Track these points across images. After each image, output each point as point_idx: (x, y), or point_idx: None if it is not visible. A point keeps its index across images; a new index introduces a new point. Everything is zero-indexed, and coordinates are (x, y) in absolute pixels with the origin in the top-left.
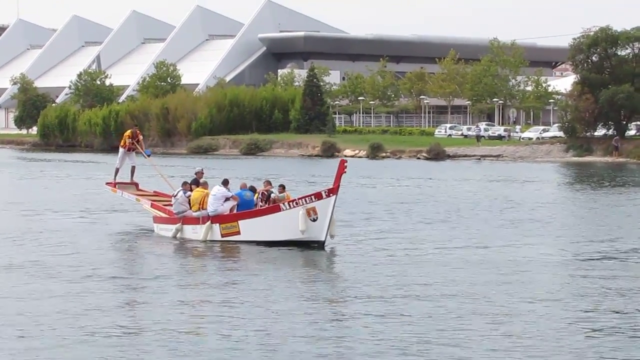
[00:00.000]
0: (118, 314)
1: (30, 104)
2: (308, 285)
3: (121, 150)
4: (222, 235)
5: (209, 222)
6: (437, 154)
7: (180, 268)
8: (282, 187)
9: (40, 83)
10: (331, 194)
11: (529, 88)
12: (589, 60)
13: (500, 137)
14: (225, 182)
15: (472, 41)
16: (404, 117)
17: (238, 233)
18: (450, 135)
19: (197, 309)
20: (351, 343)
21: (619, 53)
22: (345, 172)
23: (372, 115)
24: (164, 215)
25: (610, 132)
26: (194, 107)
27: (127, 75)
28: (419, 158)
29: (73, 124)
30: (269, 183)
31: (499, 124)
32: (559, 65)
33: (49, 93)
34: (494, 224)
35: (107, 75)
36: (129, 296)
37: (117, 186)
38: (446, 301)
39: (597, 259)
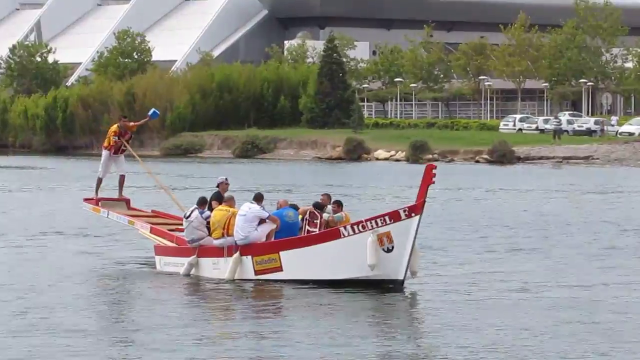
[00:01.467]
0: None
1: None
2: (381, 348)
3: (105, 153)
4: (257, 273)
5: (237, 254)
6: (502, 156)
7: (195, 321)
8: (338, 205)
9: None
10: (413, 214)
11: (629, 64)
12: None
13: (589, 133)
14: (258, 198)
15: (550, 1)
16: (457, 105)
17: (279, 269)
18: (520, 129)
19: None
20: None
21: None
22: (433, 182)
23: (413, 103)
24: (170, 244)
25: None
26: (169, 92)
27: (79, 49)
28: (478, 161)
29: (3, 115)
30: (328, 197)
31: (587, 114)
32: None
33: None
34: (592, 253)
35: (51, 49)
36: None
37: (100, 203)
38: None
39: None
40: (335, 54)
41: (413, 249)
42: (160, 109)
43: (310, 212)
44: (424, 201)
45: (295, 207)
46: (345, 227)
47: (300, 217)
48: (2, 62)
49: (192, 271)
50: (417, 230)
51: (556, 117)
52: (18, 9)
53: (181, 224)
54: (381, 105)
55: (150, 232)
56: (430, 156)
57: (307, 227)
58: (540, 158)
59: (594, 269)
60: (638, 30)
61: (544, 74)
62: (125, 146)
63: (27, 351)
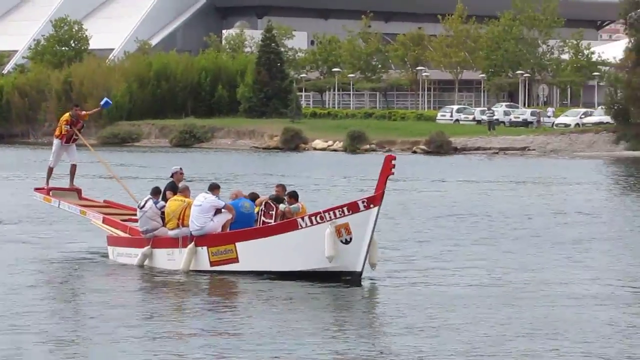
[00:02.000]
0: None
1: None
2: (336, 343)
3: (56, 142)
4: (212, 264)
5: (192, 245)
6: (439, 147)
7: (148, 314)
8: (293, 197)
9: None
10: (372, 205)
11: (565, 56)
12: None
13: (526, 124)
14: (213, 187)
15: None
16: (394, 95)
17: (235, 260)
18: (457, 120)
19: None
20: None
21: None
22: (392, 173)
23: (351, 93)
24: (123, 234)
25: None
26: (107, 81)
27: (15, 36)
28: (415, 152)
29: None
30: (282, 189)
31: (524, 105)
32: (607, 25)
33: None
34: (533, 246)
35: None
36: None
37: (51, 193)
38: None
39: None
40: (273, 44)
41: (372, 241)
42: (98, 98)
43: (265, 203)
44: (383, 192)
45: (253, 198)
46: (302, 218)
47: (257, 208)
48: None
49: (146, 262)
50: (376, 221)
51: (489, 109)
52: None
53: (133, 215)
54: (319, 95)
55: (103, 222)
56: (368, 146)
57: (262, 218)
58: (477, 149)
59: (537, 262)
60: (574, 22)
61: (481, 65)
62: (77, 135)
63: None
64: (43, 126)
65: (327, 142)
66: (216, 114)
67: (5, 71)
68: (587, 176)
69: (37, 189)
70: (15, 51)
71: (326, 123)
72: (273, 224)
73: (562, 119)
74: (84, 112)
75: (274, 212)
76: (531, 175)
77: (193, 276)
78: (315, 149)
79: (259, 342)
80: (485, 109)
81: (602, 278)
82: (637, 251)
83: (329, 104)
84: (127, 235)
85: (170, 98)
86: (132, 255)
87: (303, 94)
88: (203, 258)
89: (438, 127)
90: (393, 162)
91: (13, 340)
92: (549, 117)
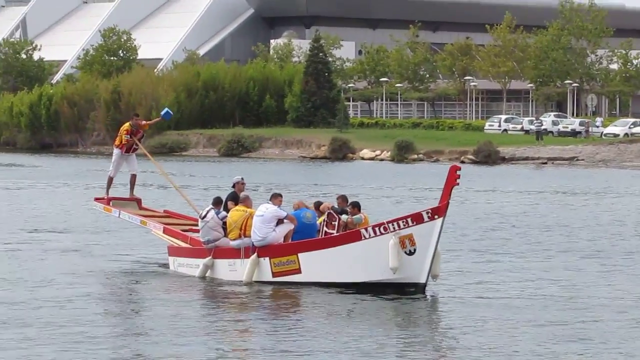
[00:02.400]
0: None
1: None
2: (402, 356)
3: (116, 151)
4: (274, 275)
5: (254, 256)
6: (487, 156)
7: (211, 324)
8: (356, 207)
9: None
10: (437, 216)
11: (614, 66)
12: None
13: (574, 134)
14: (275, 197)
15: (536, 2)
16: (442, 105)
17: (298, 272)
18: (505, 130)
19: None
20: None
21: None
22: (457, 183)
23: (399, 102)
24: (184, 244)
25: None
26: (155, 91)
27: (64, 46)
28: (463, 162)
29: None
30: (343, 200)
31: (572, 115)
32: None
33: None
34: (579, 256)
35: (36, 46)
36: None
37: (111, 203)
38: None
39: None
40: (321, 53)
41: (436, 252)
42: (146, 108)
43: (328, 213)
44: (448, 203)
45: (319, 204)
46: (366, 229)
47: (320, 219)
48: None
49: (208, 273)
50: (440, 233)
51: (537, 119)
52: (3, 6)
53: (194, 225)
54: (367, 105)
55: (164, 232)
56: (416, 156)
57: (325, 228)
58: (526, 159)
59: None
60: (623, 31)
61: (529, 75)
62: (137, 145)
63: (32, 349)
64: (91, 135)
65: (374, 151)
66: (264, 123)
67: (54, 81)
68: (635, 186)
69: (97, 199)
70: (65, 61)
71: (374, 133)
72: (336, 234)
73: (610, 129)
74: (144, 122)
75: (336, 223)
76: (581, 186)
77: (255, 287)
78: (363, 158)
79: (319, 354)
80: (534, 118)
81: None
82: None
83: (376, 113)
84: (188, 245)
85: (218, 108)
86: (193, 266)
87: (351, 103)
88: (265, 269)
89: (486, 137)
90: (458, 172)
91: (71, 352)
92: (597, 127)
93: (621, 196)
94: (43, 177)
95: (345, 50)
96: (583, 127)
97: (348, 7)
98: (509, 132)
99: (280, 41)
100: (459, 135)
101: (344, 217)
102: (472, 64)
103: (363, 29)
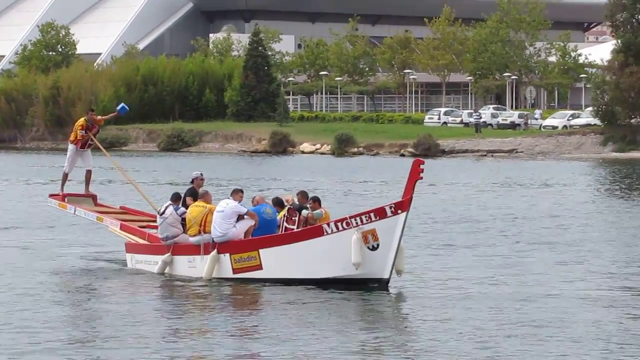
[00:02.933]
0: None
1: None
2: (363, 351)
3: (71, 147)
4: (235, 271)
5: (214, 252)
6: (427, 149)
7: (168, 324)
8: (317, 201)
9: None
10: (400, 210)
11: (552, 58)
12: (634, 20)
13: (513, 126)
14: (236, 192)
15: None
16: (382, 98)
17: (259, 268)
18: (445, 123)
19: None
20: None
21: None
22: (421, 177)
23: (338, 96)
24: (142, 241)
25: None
26: (94, 86)
27: (1, 41)
28: (403, 155)
29: None
30: (303, 196)
31: (511, 107)
32: (593, 27)
33: None
34: (523, 247)
35: None
36: None
37: (66, 199)
38: None
39: None
40: (260, 47)
41: (399, 247)
42: (85, 102)
43: (288, 209)
44: (411, 197)
45: (279, 202)
46: (328, 224)
47: (280, 214)
48: None
49: (167, 270)
50: (403, 227)
51: (477, 111)
52: None
53: (151, 221)
54: (306, 99)
55: (120, 228)
56: (356, 149)
57: (285, 224)
58: (465, 151)
59: (528, 263)
60: (561, 24)
61: (468, 68)
62: (92, 140)
63: None
64: (30, 131)
65: (314, 145)
66: (204, 118)
67: None
68: (574, 178)
69: (51, 195)
70: (2, 56)
71: (314, 126)
72: (297, 230)
73: (549, 121)
74: (99, 117)
75: (297, 218)
76: (520, 177)
77: (215, 284)
78: (303, 152)
79: (280, 353)
80: (473, 111)
81: (594, 279)
82: (629, 253)
83: (316, 107)
84: (146, 242)
85: (158, 102)
86: (151, 263)
87: (290, 97)
88: (226, 265)
89: (426, 130)
90: (421, 166)
91: (25, 347)
92: (536, 119)
93: (567, 186)
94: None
95: (285, 44)
96: (522, 120)
97: (287, 0)
98: (449, 124)
99: (219, 35)
100: (398, 129)
101: (304, 212)
102: (411, 57)
103: (302, 23)
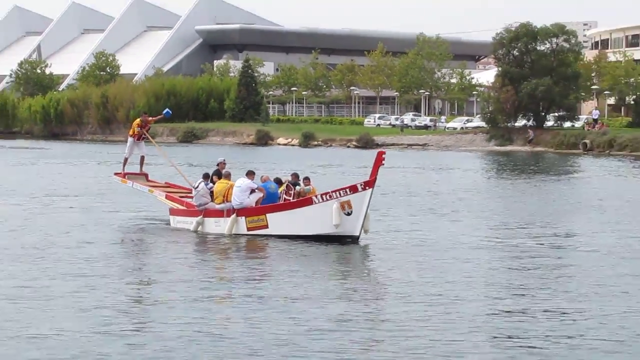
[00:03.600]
0: (130, 311)
1: None
2: (340, 284)
3: (130, 139)
4: (248, 229)
5: (234, 215)
6: (366, 143)
7: (202, 262)
8: (308, 180)
9: None
10: (367, 187)
11: (453, 80)
12: (511, 55)
13: (426, 127)
14: (249, 173)
15: (400, 35)
16: (335, 107)
17: (266, 227)
18: (379, 125)
19: (216, 307)
20: (380, 345)
21: (538, 48)
22: (383, 164)
23: (304, 105)
24: (181, 207)
25: (530, 122)
26: (132, 96)
27: (67, 64)
28: (349, 146)
29: (13, 111)
30: (295, 176)
31: (425, 114)
32: (482, 59)
33: None
34: (438, 212)
35: (47, 64)
36: (145, 293)
37: (126, 177)
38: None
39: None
40: (249, 70)
41: (366, 214)
42: (125, 108)
43: (287, 185)
44: (376, 178)
45: (278, 182)
46: (316, 196)
47: (280, 188)
48: (12, 73)
49: (199, 228)
50: (370, 199)
51: (401, 117)
52: (24, 36)
53: (188, 193)
54: (282, 107)
55: (165, 198)
56: (316, 142)
57: (284, 196)
58: (392, 144)
59: (439, 224)
60: (459, 56)
61: (395, 86)
62: (145, 135)
63: (50, 288)
64: (87, 127)
65: (287, 139)
66: (209, 119)
67: (60, 89)
68: (467, 164)
69: (116, 173)
70: (67, 75)
71: (287, 126)
72: (293, 200)
73: (451, 124)
74: (150, 118)
75: (292, 192)
76: (432, 163)
77: (234, 238)
78: (279, 144)
79: (280, 283)
80: (398, 117)
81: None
82: (505, 207)
83: (289, 112)
84: (184, 208)
85: (177, 108)
86: (188, 223)
87: (271, 105)
88: (242, 225)
89: (365, 130)
90: (384, 156)
91: (80, 281)
92: (442, 122)
93: (463, 170)
94: (60, 156)
95: (267, 68)
96: (432, 123)
97: (269, 38)
98: (381, 126)
99: (221, 62)
100: (346, 129)
101: (297, 187)
102: (355, 78)
103: (279, 54)
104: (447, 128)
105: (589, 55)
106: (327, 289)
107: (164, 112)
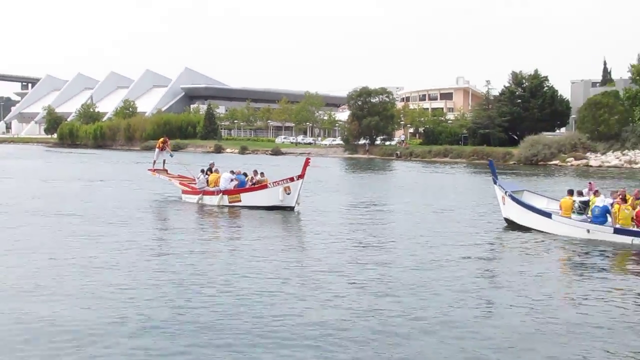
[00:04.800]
0: (145, 253)
1: (53, 120)
2: (281, 234)
3: (156, 149)
4: (229, 202)
5: (221, 195)
6: (277, 152)
7: (202, 223)
8: (262, 174)
9: (59, 110)
10: (299, 178)
11: (325, 117)
12: (356, 104)
13: (310, 143)
14: (232, 171)
15: (296, 91)
16: (259, 132)
17: (240, 201)
18: (283, 142)
19: (207, 254)
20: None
21: (372, 100)
22: (309, 165)
23: (241, 130)
24: (188, 189)
25: (367, 141)
26: (144, 125)
27: (108, 106)
28: (266, 154)
29: (77, 132)
30: (255, 172)
31: (310, 136)
32: (341, 105)
33: (64, 115)
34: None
35: (96, 106)
36: (166, 240)
37: (155, 172)
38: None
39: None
40: (211, 111)
41: (299, 194)
42: (140, 132)
43: (251, 177)
44: (304, 173)
45: (246, 174)
46: (269, 183)
47: (247, 178)
48: (76, 111)
49: (200, 201)
50: (301, 185)
51: (296, 138)
52: (83, 90)
53: (192, 181)
54: (229, 131)
55: (179, 184)
56: (248, 151)
57: (249, 182)
58: (292, 153)
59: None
60: (329, 104)
61: (293, 120)
62: (167, 148)
63: (88, 242)
64: (118, 142)
65: (232, 150)
66: (188, 138)
67: (103, 120)
68: (333, 164)
69: (148, 169)
70: (107, 112)
71: (233, 142)
72: (255, 186)
73: (324, 142)
74: (167, 143)
75: (254, 180)
76: (313, 163)
77: (222, 208)
78: (227, 152)
79: (245, 234)
80: (295, 137)
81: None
82: (350, 193)
83: (234, 134)
84: (190, 189)
85: (169, 132)
86: (193, 198)
87: (224, 131)
88: (225, 200)
89: (276, 145)
90: (310, 160)
91: (109, 236)
92: (319, 141)
93: (331, 167)
94: (114, 159)
95: (220, 109)
96: (314, 140)
97: (222, 92)
98: (284, 142)
99: (194, 106)
100: (266, 144)
101: (257, 177)
102: (271, 116)
103: (228, 101)
104: (323, 144)
105: (399, 104)
106: (272, 237)
107: (169, 154)
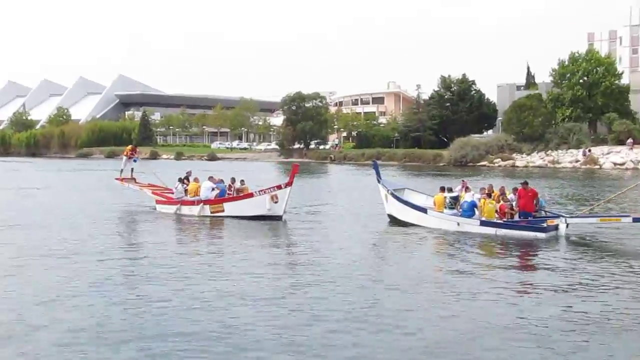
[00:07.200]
0: (125, 264)
1: None
2: (269, 243)
3: (124, 157)
4: (212, 212)
5: (201, 204)
6: (212, 157)
7: (179, 236)
8: (242, 181)
9: None
10: (287, 186)
11: (260, 123)
12: (291, 109)
13: (245, 148)
14: (210, 178)
15: (231, 97)
16: (194, 137)
17: (223, 211)
18: (219, 147)
19: (191, 261)
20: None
21: (306, 105)
22: (297, 172)
23: (177, 136)
24: (164, 199)
25: (302, 146)
26: (78, 132)
27: (41, 114)
28: (202, 159)
29: (9, 140)
30: (233, 181)
31: (245, 141)
32: (275, 110)
33: None
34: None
35: (29, 114)
36: (145, 248)
37: (123, 180)
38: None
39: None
40: (146, 117)
41: (286, 202)
42: (74, 139)
43: (229, 185)
44: (292, 181)
45: (222, 181)
46: (255, 191)
47: (227, 186)
48: (8, 119)
49: (177, 212)
50: (289, 194)
51: (231, 143)
52: (14, 98)
53: (165, 190)
54: (165, 137)
55: (152, 193)
56: (184, 157)
57: (228, 191)
58: (228, 158)
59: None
60: (263, 110)
61: (229, 126)
62: (133, 156)
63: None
64: (52, 150)
65: (167, 155)
66: (124, 144)
67: (37, 127)
68: (267, 168)
69: (116, 179)
70: (40, 120)
71: (167, 148)
72: (237, 195)
73: (260, 147)
74: (135, 151)
75: (233, 188)
76: (245, 168)
77: (202, 219)
78: (163, 158)
79: (228, 244)
80: (230, 143)
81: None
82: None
83: (169, 141)
84: (166, 199)
85: (104, 140)
86: (170, 209)
87: (159, 137)
88: (207, 210)
89: (212, 150)
90: (298, 167)
91: (88, 242)
92: (255, 145)
93: (261, 172)
94: (42, 165)
95: (155, 116)
96: (249, 145)
97: (157, 99)
98: (220, 147)
99: (130, 113)
100: (202, 149)
101: (236, 185)
102: (206, 121)
103: (162, 107)
104: (258, 149)
105: (333, 109)
106: (259, 246)
107: (134, 159)
